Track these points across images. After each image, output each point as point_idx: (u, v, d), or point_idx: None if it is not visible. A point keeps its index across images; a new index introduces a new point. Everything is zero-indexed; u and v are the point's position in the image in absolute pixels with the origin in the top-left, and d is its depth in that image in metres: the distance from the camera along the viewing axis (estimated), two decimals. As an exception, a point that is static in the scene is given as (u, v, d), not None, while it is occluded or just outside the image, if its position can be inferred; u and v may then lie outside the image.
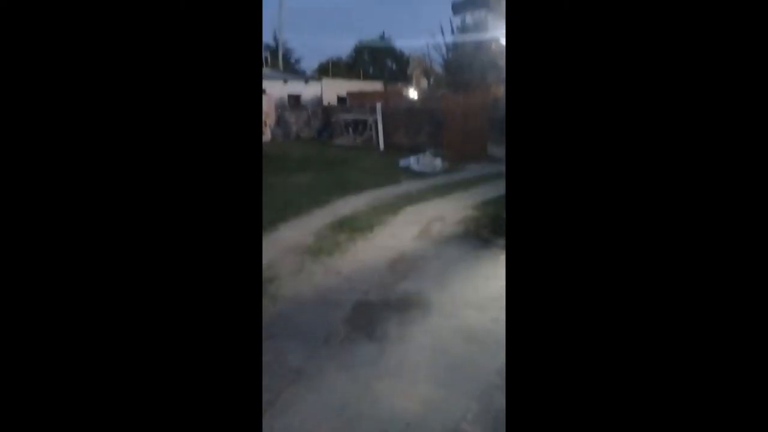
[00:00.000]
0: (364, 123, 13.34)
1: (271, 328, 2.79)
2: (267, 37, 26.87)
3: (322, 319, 2.90)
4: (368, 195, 6.62)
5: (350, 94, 17.06)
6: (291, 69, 24.86)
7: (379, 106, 12.58)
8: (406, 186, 7.42)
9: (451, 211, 5.68)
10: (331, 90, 17.84)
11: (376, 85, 20.03)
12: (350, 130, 13.99)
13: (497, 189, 6.67)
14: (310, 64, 30.73)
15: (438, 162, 9.30)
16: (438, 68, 17.78)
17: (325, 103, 16.91)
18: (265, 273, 3.64)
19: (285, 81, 16.29)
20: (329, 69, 25.59)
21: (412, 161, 9.30)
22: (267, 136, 14.65)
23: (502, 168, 5.96)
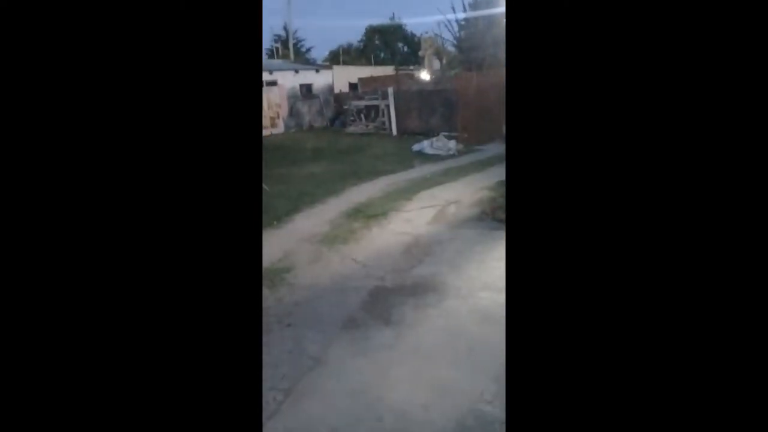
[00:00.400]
0: (376, 109, 13.23)
1: (289, 317, 2.84)
2: (278, 28, 26.91)
3: (339, 307, 2.94)
4: (382, 181, 6.61)
5: (361, 80, 16.93)
6: (302, 58, 24.79)
7: (390, 90, 12.44)
8: (420, 170, 7.37)
9: (466, 193, 5.62)
10: (343, 77, 17.73)
11: (387, 70, 19.81)
12: (362, 116, 13.91)
13: (513, 168, 6.54)
14: (320, 52, 30.60)
15: (452, 144, 9.18)
16: (450, 48, 17.38)
17: (336, 90, 16.84)
18: (282, 263, 3.70)
19: (296, 71, 16.26)
20: (340, 56, 25.41)
21: (426, 145, 9.20)
22: (280, 128, 14.72)
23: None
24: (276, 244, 4.12)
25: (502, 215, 4.50)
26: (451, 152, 8.85)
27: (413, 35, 29.64)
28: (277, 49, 23.53)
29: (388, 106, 12.50)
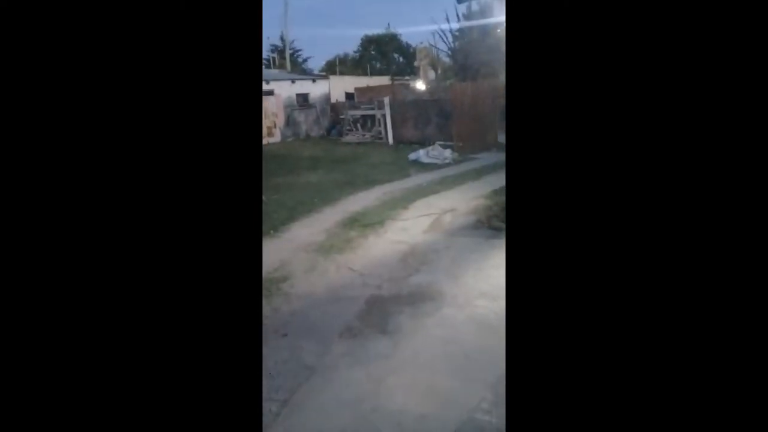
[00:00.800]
0: (373, 118, 13.30)
1: (285, 326, 2.83)
2: (275, 38, 27.08)
3: (335, 316, 2.92)
4: (378, 190, 6.63)
5: (358, 90, 17.04)
6: (299, 68, 24.94)
7: (386, 100, 12.53)
8: (416, 179, 7.39)
9: (462, 201, 5.64)
10: (339, 87, 17.86)
11: (383, 80, 19.98)
12: (359, 126, 13.97)
13: (509, 177, 6.58)
14: (317, 62, 30.79)
15: (448, 153, 9.23)
16: (445, 57, 17.55)
17: (333, 100, 16.93)
18: (278, 272, 3.69)
19: (293, 81, 16.36)
20: (336, 66, 25.57)
21: (422, 154, 9.25)
22: (277, 137, 14.75)
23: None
24: (272, 253, 4.10)
25: (498, 223, 4.51)
26: (446, 161, 8.89)
27: (408, 45, 29.95)
28: (273, 59, 23.67)
29: (384, 116, 12.57)
